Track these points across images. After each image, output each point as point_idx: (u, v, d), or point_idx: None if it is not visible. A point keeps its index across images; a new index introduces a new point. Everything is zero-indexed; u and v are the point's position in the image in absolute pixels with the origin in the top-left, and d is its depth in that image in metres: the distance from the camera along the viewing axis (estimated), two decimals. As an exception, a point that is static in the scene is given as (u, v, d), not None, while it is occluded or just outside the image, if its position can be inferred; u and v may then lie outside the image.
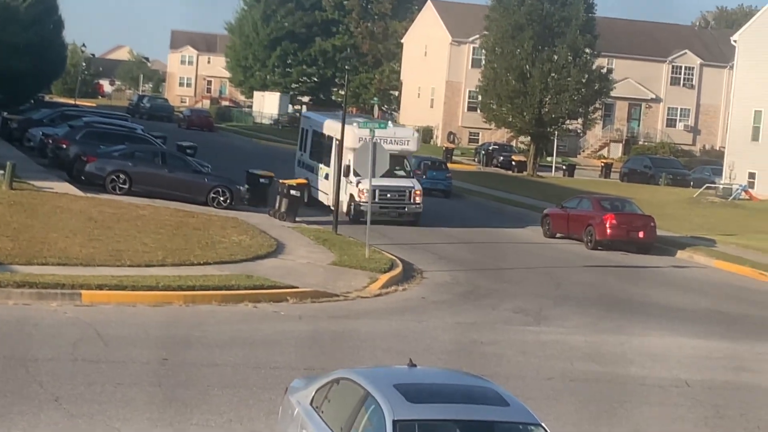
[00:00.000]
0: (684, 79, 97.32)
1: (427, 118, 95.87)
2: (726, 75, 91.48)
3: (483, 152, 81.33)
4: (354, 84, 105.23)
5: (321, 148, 43.37)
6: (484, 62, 79.86)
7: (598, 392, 19.61)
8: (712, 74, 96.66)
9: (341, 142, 37.41)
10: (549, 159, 79.33)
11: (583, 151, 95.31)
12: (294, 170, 46.08)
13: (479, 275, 31.18)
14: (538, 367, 21.11)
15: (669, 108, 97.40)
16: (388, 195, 40.29)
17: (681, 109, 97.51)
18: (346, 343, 21.63)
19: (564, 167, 77.34)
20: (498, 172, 75.15)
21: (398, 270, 29.97)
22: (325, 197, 41.65)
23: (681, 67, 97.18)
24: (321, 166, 43.07)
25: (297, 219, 37.37)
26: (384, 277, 28.61)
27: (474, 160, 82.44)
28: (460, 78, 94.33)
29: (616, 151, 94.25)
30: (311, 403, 12.31)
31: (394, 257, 31.84)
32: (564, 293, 29.83)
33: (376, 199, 37.94)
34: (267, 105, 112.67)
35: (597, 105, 76.84)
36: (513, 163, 77.16)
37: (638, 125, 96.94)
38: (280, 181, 38.74)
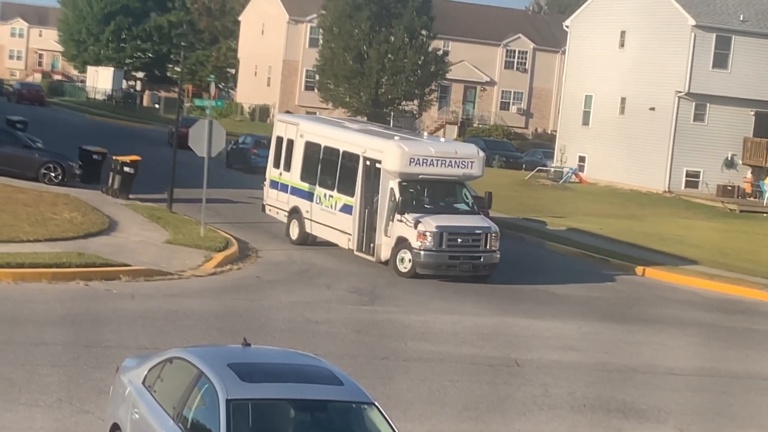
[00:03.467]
0: (518, 63, 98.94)
1: (264, 97, 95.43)
2: (558, 60, 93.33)
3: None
4: (190, 61, 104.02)
5: (331, 168, 31.65)
6: (321, 42, 79.85)
7: (431, 371, 19.85)
8: (545, 59, 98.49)
9: (357, 163, 30.22)
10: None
11: (419, 132, 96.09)
12: (264, 189, 34.96)
13: (315, 254, 31.22)
14: (371, 346, 21.27)
15: (503, 91, 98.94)
16: (459, 240, 29.29)
17: (514, 92, 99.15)
18: (180, 322, 21.44)
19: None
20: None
21: (233, 249, 29.81)
22: (341, 237, 30.94)
23: (515, 51, 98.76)
24: (333, 194, 31.37)
25: (130, 196, 36.79)
26: (219, 256, 28.42)
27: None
28: (297, 57, 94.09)
29: (452, 132, 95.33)
30: (143, 383, 12.17)
31: (229, 236, 31.65)
32: (398, 273, 30.04)
33: (444, 246, 29.03)
34: (101, 80, 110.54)
35: (433, 87, 77.67)
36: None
37: (473, 108, 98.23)
38: (114, 157, 38.02)
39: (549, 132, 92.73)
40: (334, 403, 11.13)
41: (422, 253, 28.92)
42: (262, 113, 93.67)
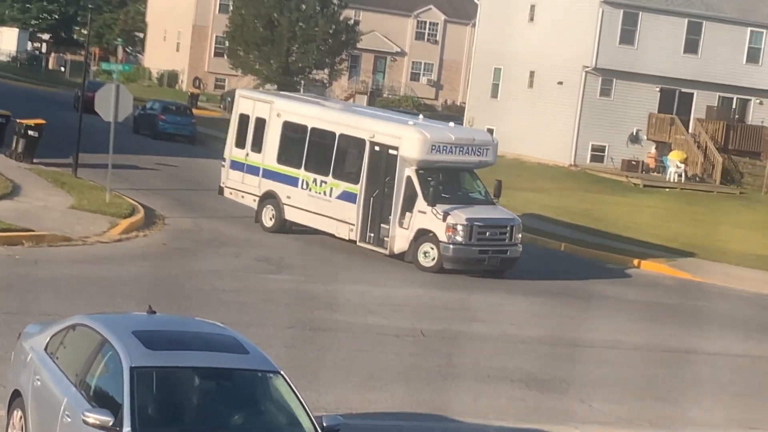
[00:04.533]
0: (428, 34, 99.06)
1: (173, 62, 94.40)
2: (469, 32, 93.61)
3: (229, 99, 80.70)
4: (97, 23, 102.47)
5: (323, 152, 29.66)
6: (231, 7, 79.14)
7: (337, 341, 19.89)
8: (456, 31, 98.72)
9: (360, 150, 28.57)
10: (295, 108, 79.45)
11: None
12: (222, 171, 32.41)
13: (222, 223, 31.06)
14: (278, 315, 21.25)
15: (413, 62, 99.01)
16: (488, 233, 27.99)
17: (425, 63, 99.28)
18: (84, 288, 21.21)
19: (309, 117, 77.62)
20: (243, 120, 74.70)
21: (140, 215, 29.53)
22: (338, 227, 29.02)
23: (426, 23, 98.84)
24: (326, 180, 29.33)
25: (35, 161, 36.22)
26: (124, 223, 28.15)
27: (220, 107, 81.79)
28: (207, 22, 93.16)
29: (362, 102, 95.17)
30: (46, 349, 12.03)
31: (135, 202, 31.33)
32: (307, 242, 30.02)
33: (473, 240, 27.66)
34: (5, 41, 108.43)
35: (343, 56, 77.42)
36: (259, 111, 76.96)
37: (383, 78, 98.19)
38: (18, 120, 37.36)
39: (459, 104, 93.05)
40: (239, 372, 11.11)
41: (451, 247, 27.39)
42: (171, 79, 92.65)
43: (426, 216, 27.65)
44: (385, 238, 28.19)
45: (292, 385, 11.09)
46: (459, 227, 27.45)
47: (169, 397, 10.83)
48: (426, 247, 27.79)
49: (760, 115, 62.05)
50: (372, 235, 28.46)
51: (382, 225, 28.27)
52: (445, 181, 28.76)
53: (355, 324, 21.38)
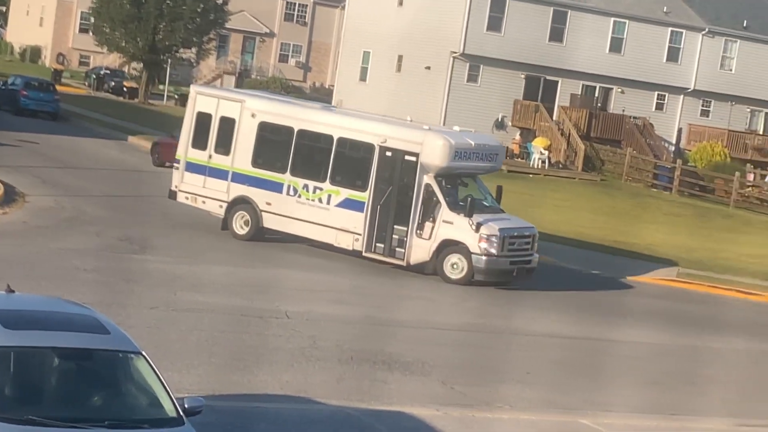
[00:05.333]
0: (297, 15, 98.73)
1: (36, 37, 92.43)
2: (338, 14, 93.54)
3: (94, 76, 79.37)
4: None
5: (315, 156, 28.32)
6: (98, -17, 77.73)
7: (200, 322, 19.77)
8: (325, 13, 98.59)
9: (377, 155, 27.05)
10: (161, 87, 78.53)
11: (197, 81, 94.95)
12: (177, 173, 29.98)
13: (85, 201, 30.58)
14: (141, 295, 21.03)
15: (282, 43, 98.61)
16: (515, 244, 27.20)
17: (294, 45, 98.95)
18: (-60, 267, 20.68)
19: (176, 96, 76.79)
20: (109, 98, 73.56)
21: (-1, 193, 28.90)
22: (339, 236, 27.50)
23: (295, 4, 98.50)
24: (322, 186, 27.79)
25: None
26: (-17, 200, 27.52)
27: (84, 84, 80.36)
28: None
29: (230, 83, 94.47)
30: None
31: (-5, 179, 30.66)
32: (171, 223, 29.76)
33: (505, 251, 26.74)
34: None
35: (212, 35, 76.66)
36: (125, 89, 75.81)
37: (252, 59, 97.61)
38: None
39: (327, 86, 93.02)
40: (99, 352, 10.95)
41: (484, 258, 26.37)
42: (34, 54, 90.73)
43: (453, 226, 26.54)
44: (398, 249, 26.95)
45: (153, 366, 10.99)
46: (493, 238, 26.43)
47: (28, 378, 10.64)
48: (454, 258, 26.65)
49: (622, 103, 63.33)
50: (382, 245, 27.08)
51: (394, 235, 26.96)
52: (460, 189, 27.79)
53: (219, 305, 21.27)
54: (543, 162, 57.48)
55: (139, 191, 35.12)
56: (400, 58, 63.29)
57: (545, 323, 24.56)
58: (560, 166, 58.20)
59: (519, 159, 59.36)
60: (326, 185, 27.78)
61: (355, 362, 18.61)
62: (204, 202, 29.33)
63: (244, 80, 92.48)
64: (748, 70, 65.69)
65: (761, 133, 66.53)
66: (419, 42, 61.40)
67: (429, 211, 26.80)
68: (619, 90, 63.64)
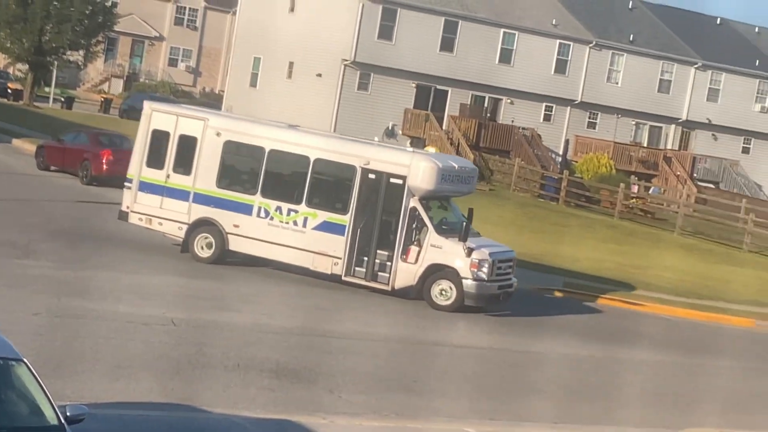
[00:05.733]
0: (188, 20, 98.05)
1: None
2: (229, 20, 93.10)
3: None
4: None
5: (289, 178, 27.91)
6: (-17, -17, 76.29)
7: (84, 328, 19.46)
8: (216, 18, 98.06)
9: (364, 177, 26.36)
10: (47, 89, 77.32)
11: (84, 84, 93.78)
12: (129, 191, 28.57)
13: (-34, 205, 29.94)
14: (24, 301, 20.63)
15: (172, 47, 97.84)
16: (501, 267, 26.84)
17: (184, 49, 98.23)
18: None
19: (62, 99, 75.67)
20: (-8, 99, 72.31)
21: None
22: (316, 260, 26.76)
23: (185, 8, 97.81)
24: (297, 208, 26.98)
25: None
26: None
27: (-32, 85, 78.72)
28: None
29: (117, 86, 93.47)
30: None
31: None
32: (56, 227, 29.28)
33: (494, 275, 26.36)
34: None
35: (100, 38, 75.73)
36: (9, 91, 74.51)
37: (140, 62, 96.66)
38: None
39: (217, 92, 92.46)
40: (-21, 360, 10.72)
41: (475, 284, 25.95)
42: None
43: (442, 250, 26.08)
44: (380, 273, 26.40)
45: (34, 373, 10.78)
46: (485, 263, 26.03)
47: None
48: (443, 284, 26.21)
49: (511, 114, 64.05)
50: (363, 269, 26.48)
51: (372, 258, 26.39)
52: (437, 212, 27.19)
53: (104, 311, 20.97)
54: (432, 171, 57.66)
55: (23, 195, 34.48)
56: (291, 64, 63.20)
57: (433, 332, 24.67)
58: (449, 175, 58.46)
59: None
60: (302, 207, 26.98)
61: (241, 370, 18.48)
62: (161, 224, 28.14)
63: (132, 84, 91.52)
64: (633, 83, 66.96)
65: (645, 145, 67.80)
66: (310, 49, 61.39)
67: (414, 235, 26.33)
68: (509, 101, 64.35)
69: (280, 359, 19.56)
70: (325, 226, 26.73)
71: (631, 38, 67.56)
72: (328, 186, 27.44)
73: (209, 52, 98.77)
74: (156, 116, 28.67)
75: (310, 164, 27.09)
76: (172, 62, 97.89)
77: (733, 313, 32.55)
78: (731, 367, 26.57)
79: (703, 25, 74.15)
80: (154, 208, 28.08)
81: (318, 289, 26.84)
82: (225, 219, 27.44)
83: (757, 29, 76.93)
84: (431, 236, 26.19)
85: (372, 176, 26.62)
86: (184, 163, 28.03)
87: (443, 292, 26.24)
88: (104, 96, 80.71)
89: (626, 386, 22.89)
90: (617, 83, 67.07)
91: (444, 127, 61.40)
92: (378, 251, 26.39)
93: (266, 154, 27.49)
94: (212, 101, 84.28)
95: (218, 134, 27.93)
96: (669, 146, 69.00)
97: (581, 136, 66.08)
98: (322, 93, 60.86)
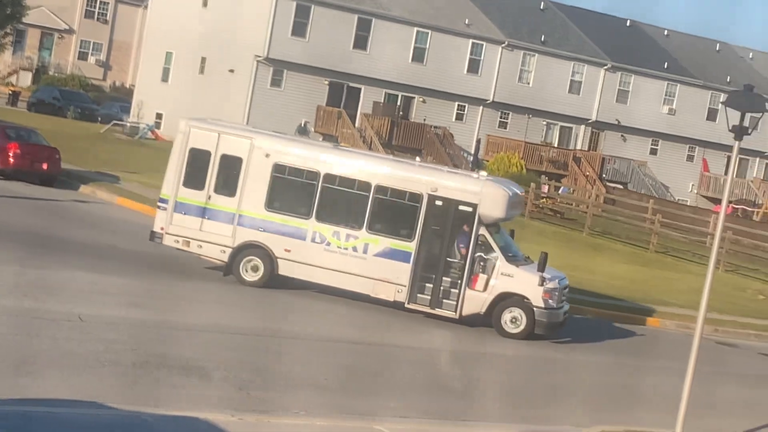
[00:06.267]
0: (98, 13, 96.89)
1: None
2: (140, 14, 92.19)
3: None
4: None
5: (348, 203, 26.99)
6: None
7: (-11, 324, 19.11)
8: (127, 11, 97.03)
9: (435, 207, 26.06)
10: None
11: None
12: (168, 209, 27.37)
13: None
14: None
15: (82, 41, 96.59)
16: (564, 294, 27.09)
17: (94, 43, 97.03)
18: None
19: (-31, 91, 74.40)
20: None
21: None
22: (376, 287, 26.37)
23: (96, 1, 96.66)
24: (357, 234, 26.42)
25: None
26: None
27: None
28: None
29: (26, 79, 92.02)
30: None
31: None
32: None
33: (560, 303, 26.60)
34: None
35: (8, 30, 74.44)
36: None
37: (50, 55, 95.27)
38: None
39: (128, 86, 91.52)
40: None
41: (547, 312, 26.00)
42: None
43: (513, 279, 25.98)
44: (445, 300, 26.08)
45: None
46: (555, 292, 26.19)
47: None
48: (515, 312, 26.11)
49: (423, 113, 64.25)
50: (427, 296, 26.14)
51: (437, 285, 26.08)
52: (496, 237, 26.73)
53: (8, 307, 20.59)
54: (344, 168, 57.68)
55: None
56: (203, 59, 62.76)
57: (346, 329, 24.62)
58: (361, 172, 58.47)
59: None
60: (362, 233, 26.39)
61: (150, 367, 18.27)
62: (200, 247, 27.04)
63: (41, 77, 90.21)
64: (544, 83, 67.56)
65: (556, 145, 68.44)
66: (223, 44, 61.02)
67: (482, 263, 26.10)
68: (421, 99, 64.55)
69: (190, 356, 19.37)
70: (389, 253, 26.28)
71: (542, 39, 68.16)
72: (391, 212, 26.79)
73: (120, 46, 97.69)
74: (195, 133, 27.36)
75: (371, 189, 26.50)
76: (82, 55, 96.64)
77: (639, 313, 32.98)
78: (632, 365, 26.91)
79: (613, 27, 75.07)
80: (193, 231, 27.00)
81: (223, 285, 26.66)
82: (275, 243, 26.66)
83: (666, 32, 78.05)
84: (501, 264, 26.06)
85: (439, 203, 26.28)
86: (228, 184, 27.02)
87: (514, 320, 26.13)
88: (12, 89, 79.45)
89: (537, 383, 23.07)
90: (529, 83, 67.63)
91: (357, 125, 61.41)
92: (440, 278, 26.11)
93: (321, 177, 26.73)
94: (122, 95, 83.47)
95: (267, 155, 26.96)
96: (579, 147, 69.74)
97: (493, 136, 66.52)
98: (235, 89, 60.52)
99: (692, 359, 19.09)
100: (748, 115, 18.68)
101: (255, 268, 26.78)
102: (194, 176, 27.13)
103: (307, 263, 26.44)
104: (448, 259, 26.16)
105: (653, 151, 72.77)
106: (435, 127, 63.29)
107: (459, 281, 25.94)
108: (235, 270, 26.86)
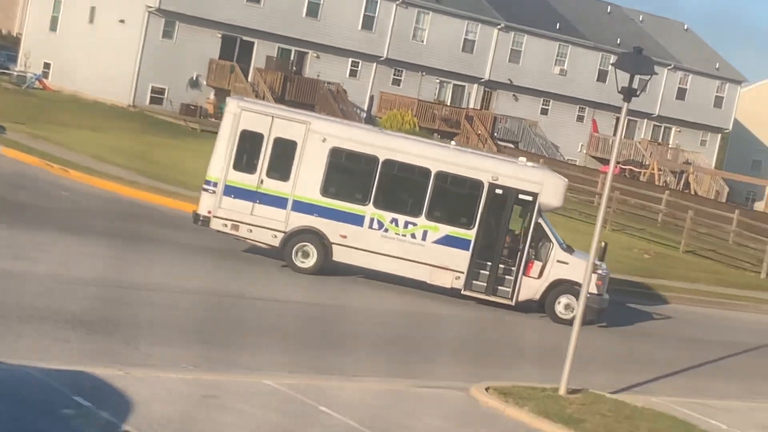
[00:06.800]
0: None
1: None
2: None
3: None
4: None
5: (407, 189, 27.25)
6: None
7: None
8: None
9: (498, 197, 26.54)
10: None
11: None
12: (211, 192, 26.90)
13: None
14: None
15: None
16: (607, 279, 27.91)
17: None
18: None
19: None
20: None
21: None
22: (434, 274, 26.69)
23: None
24: (416, 221, 26.61)
25: None
26: None
27: None
28: None
29: None
30: None
31: None
32: None
33: (605, 291, 27.42)
34: None
35: None
36: None
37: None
38: None
39: (15, 34, 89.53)
40: None
41: (599, 298, 26.73)
42: None
43: (568, 266, 26.67)
44: (500, 287, 26.66)
45: None
46: (606, 279, 27.11)
47: None
48: (565, 299, 26.89)
49: (317, 68, 63.99)
50: (483, 283, 26.61)
51: (492, 272, 26.56)
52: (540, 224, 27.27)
53: None
54: (237, 123, 57.25)
55: None
56: (92, 9, 61.67)
57: (236, 283, 24.53)
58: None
59: (214, 119, 59.01)
60: (421, 220, 26.60)
61: (35, 320, 18.00)
62: (250, 231, 26.69)
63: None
64: (438, 42, 67.73)
65: (449, 104, 68.75)
66: (114, -6, 59.97)
67: (537, 250, 26.77)
68: (315, 55, 64.28)
69: (76, 310, 19.14)
70: (448, 240, 26.53)
71: (437, -3, 68.26)
72: (451, 199, 27.09)
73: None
74: (246, 116, 26.89)
75: (431, 177, 26.69)
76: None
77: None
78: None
79: (507, -13, 75.47)
80: (243, 215, 26.61)
81: (116, 240, 26.38)
82: (330, 229, 26.58)
83: (558, -7, 78.73)
84: (556, 252, 26.80)
85: (499, 191, 26.69)
86: (281, 169, 26.74)
87: (567, 307, 26.82)
88: None
89: (436, 340, 23.25)
90: (423, 42, 67.73)
91: (249, 79, 60.95)
92: (497, 265, 26.59)
93: (380, 163, 26.75)
94: (9, 44, 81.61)
95: (324, 140, 26.78)
96: (471, 105, 70.17)
97: (386, 93, 66.57)
98: (125, 40, 59.58)
99: (578, 316, 19.42)
100: (637, 77, 18.96)
101: (307, 254, 26.70)
102: (245, 159, 26.80)
103: (364, 249, 26.53)
104: (505, 246, 26.71)
105: (544, 111, 73.53)
106: (328, 83, 63.11)
107: (514, 268, 26.56)
108: (287, 256, 26.68)
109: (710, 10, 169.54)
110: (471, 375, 19.90)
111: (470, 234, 26.51)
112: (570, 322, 25.84)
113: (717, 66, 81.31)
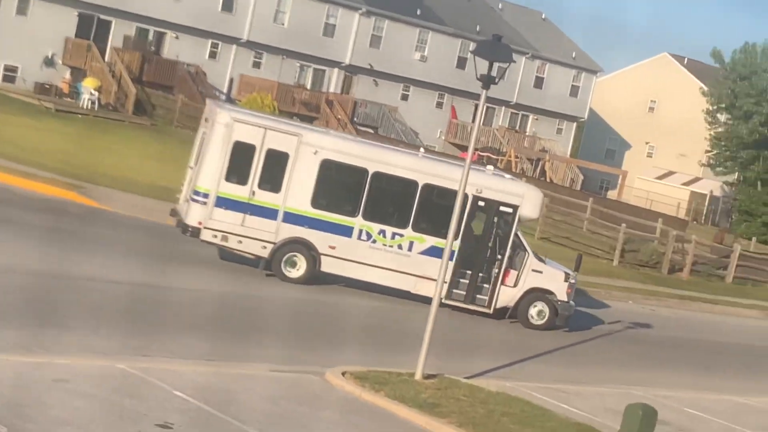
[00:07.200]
0: None
1: None
2: None
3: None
4: None
5: (395, 201, 27.77)
6: None
7: None
8: None
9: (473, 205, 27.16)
10: None
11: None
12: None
13: None
14: None
15: None
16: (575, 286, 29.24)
17: None
18: None
19: None
20: None
21: None
22: (419, 284, 26.96)
23: None
24: (402, 232, 27.10)
25: None
26: None
27: None
28: None
29: None
30: None
31: None
32: None
33: (572, 299, 28.71)
34: None
35: None
36: None
37: None
38: None
39: None
40: None
41: (568, 305, 28.24)
42: None
43: (542, 275, 27.86)
44: (478, 296, 27.42)
45: None
46: (574, 287, 28.50)
47: None
48: (540, 306, 27.96)
49: (176, 49, 63.21)
50: (462, 292, 27.27)
51: (472, 282, 27.31)
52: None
53: None
54: (93, 103, 56.42)
55: None
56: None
57: (90, 267, 24.12)
58: (110, 108, 57.31)
59: (69, 99, 57.93)
60: (408, 232, 27.08)
61: None
62: (240, 242, 26.45)
63: None
64: (299, 25, 67.49)
65: (309, 88, 68.60)
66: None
67: (513, 260, 27.63)
68: (174, 35, 63.47)
69: None
70: (433, 251, 26.77)
71: (297, -20, 67.96)
72: (436, 211, 27.08)
73: None
74: (239, 127, 26.58)
75: (418, 189, 27.14)
76: None
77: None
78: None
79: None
80: (233, 226, 26.37)
81: (20, 226, 25.73)
82: (320, 240, 26.68)
83: (419, -20, 79.11)
84: (531, 261, 27.82)
85: (482, 203, 27.43)
86: (273, 180, 26.62)
87: (540, 314, 28.03)
88: None
89: (301, 326, 23.19)
90: (284, 24, 67.39)
91: (107, 59, 59.88)
92: (476, 275, 27.38)
93: (369, 176, 26.97)
94: None
95: (315, 152, 26.74)
96: (332, 90, 70.12)
97: (246, 76, 66.11)
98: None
99: (434, 303, 19.57)
100: (495, 65, 19.15)
101: (296, 265, 26.75)
102: (237, 171, 26.58)
103: (351, 260, 26.81)
104: (485, 257, 27.47)
105: (404, 97, 73.88)
106: (188, 64, 62.42)
107: (493, 278, 27.41)
108: (275, 266, 26.68)
109: (567, 1, 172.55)
110: (331, 360, 19.91)
111: (455, 245, 26.01)
112: (539, 327, 28.05)
113: (574, 55, 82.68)
